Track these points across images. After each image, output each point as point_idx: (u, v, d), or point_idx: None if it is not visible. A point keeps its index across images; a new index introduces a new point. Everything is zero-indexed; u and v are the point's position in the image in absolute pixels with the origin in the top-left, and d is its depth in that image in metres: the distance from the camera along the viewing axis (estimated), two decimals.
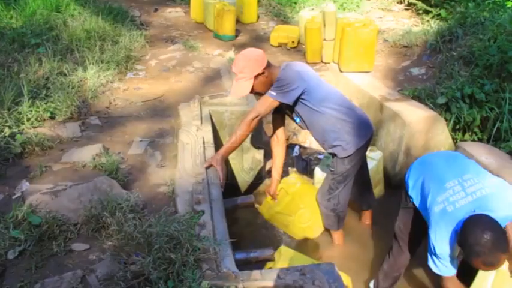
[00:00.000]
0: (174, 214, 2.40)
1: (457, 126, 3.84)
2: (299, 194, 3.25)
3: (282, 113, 3.09)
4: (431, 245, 2.18)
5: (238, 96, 2.85)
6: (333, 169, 2.98)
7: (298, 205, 3.25)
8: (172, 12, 7.03)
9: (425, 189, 2.34)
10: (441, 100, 3.89)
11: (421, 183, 2.40)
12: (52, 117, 3.49)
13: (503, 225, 1.98)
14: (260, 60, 2.77)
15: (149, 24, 6.35)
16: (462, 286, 2.26)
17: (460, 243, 2.01)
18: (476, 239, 1.89)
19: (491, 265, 1.93)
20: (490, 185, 2.17)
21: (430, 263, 2.25)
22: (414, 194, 2.45)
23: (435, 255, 2.18)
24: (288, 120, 3.19)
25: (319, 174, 3.51)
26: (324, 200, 3.09)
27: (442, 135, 3.87)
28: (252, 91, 2.81)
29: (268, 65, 2.80)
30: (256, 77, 2.75)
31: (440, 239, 2.14)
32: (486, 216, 1.98)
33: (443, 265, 2.18)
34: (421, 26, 5.70)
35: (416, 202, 2.43)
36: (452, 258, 2.15)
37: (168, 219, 2.25)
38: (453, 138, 3.89)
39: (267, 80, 2.79)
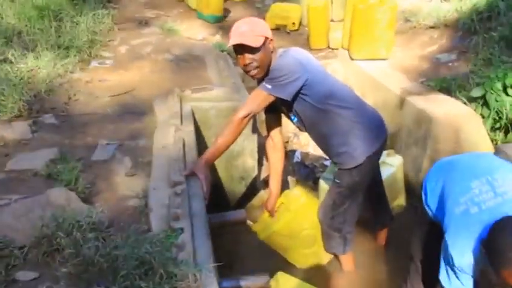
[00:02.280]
0: (147, 233, 2.37)
1: (497, 125, 3.83)
2: (303, 211, 3.24)
3: (277, 112, 3.07)
4: (449, 254, 2.16)
5: (245, 43, 2.70)
6: (338, 181, 2.96)
7: (302, 225, 3.23)
8: None
9: (445, 193, 2.34)
10: (476, 92, 3.89)
11: (440, 188, 2.39)
12: None
13: None
14: (270, 30, 2.81)
15: (118, 1, 6.37)
16: None
17: (487, 250, 1.99)
18: (508, 242, 1.88)
19: None
20: None
21: (442, 276, 2.22)
22: (432, 201, 2.45)
23: (451, 267, 2.16)
24: (285, 119, 3.18)
25: (325, 184, 3.50)
26: (327, 217, 3.07)
27: (477, 135, 3.86)
28: (255, 54, 2.69)
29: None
30: (265, 40, 2.72)
31: (461, 247, 2.12)
32: None
33: (458, 281, 2.16)
34: (452, 1, 5.71)
35: (434, 211, 2.42)
36: (471, 274, 2.13)
37: (139, 239, 2.22)
38: (492, 140, 3.87)
39: (269, 56, 2.76)
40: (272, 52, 2.78)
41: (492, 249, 1.94)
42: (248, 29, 2.69)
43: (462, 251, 2.11)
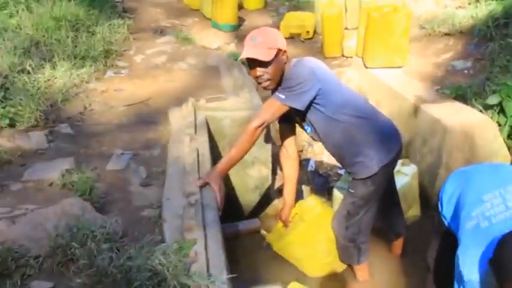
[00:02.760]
0: (160, 243, 2.37)
1: None
2: (318, 221, 3.23)
3: (291, 122, 3.07)
4: (459, 270, 2.13)
5: (256, 58, 2.72)
6: (352, 191, 2.94)
7: (316, 236, 3.22)
8: None
9: (459, 205, 2.31)
10: (493, 100, 3.85)
11: (456, 199, 2.37)
12: (12, 125, 3.51)
13: None
14: (284, 40, 2.80)
15: (134, 11, 6.41)
16: None
17: (493, 265, 1.95)
18: None
19: None
20: None
21: None
22: (447, 212, 2.42)
23: (462, 283, 2.13)
24: (299, 128, 3.17)
25: (339, 193, 3.47)
26: (342, 228, 3.05)
27: (494, 143, 3.82)
28: (268, 67, 2.70)
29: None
30: (278, 52, 2.71)
31: (470, 262, 2.08)
32: None
33: None
34: (468, 8, 5.67)
35: (450, 221, 2.39)
36: None
37: (152, 250, 2.22)
38: (509, 148, 3.84)
39: (282, 67, 2.76)
40: (285, 63, 2.78)
41: (497, 263, 1.91)
42: (261, 41, 2.69)
43: (472, 268, 2.08)
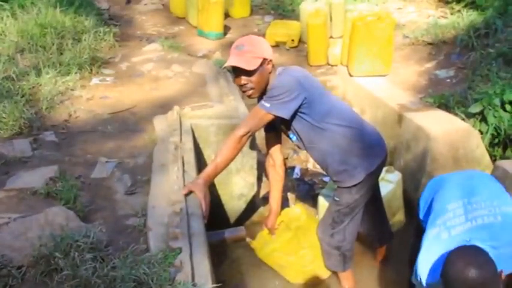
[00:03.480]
0: (145, 252, 2.35)
1: (496, 141, 3.83)
2: (303, 230, 3.23)
3: (276, 131, 3.07)
4: (414, 273, 2.18)
5: (239, 66, 2.70)
6: (337, 199, 2.94)
7: (301, 244, 3.22)
8: (148, 5, 7.09)
9: (430, 210, 2.39)
10: (475, 108, 3.89)
11: (429, 204, 2.44)
12: None
13: (501, 267, 1.93)
14: (270, 49, 2.79)
15: (120, 18, 6.40)
16: None
17: (442, 278, 1.99)
18: (457, 274, 1.86)
19: None
20: (504, 213, 2.16)
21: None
22: (423, 217, 2.49)
23: (421, 285, 2.17)
24: (284, 136, 3.18)
25: (324, 201, 3.48)
26: (327, 235, 3.05)
27: (476, 151, 3.85)
28: (252, 76, 2.71)
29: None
30: (263, 61, 2.71)
31: (425, 269, 2.14)
32: (477, 248, 1.96)
33: None
34: (450, 18, 5.75)
35: (426, 225, 2.45)
36: None
37: (137, 260, 2.20)
38: (491, 156, 3.87)
39: (267, 76, 2.76)
40: (270, 72, 2.78)
41: (444, 277, 1.95)
42: (246, 50, 2.69)
43: (425, 274, 2.14)
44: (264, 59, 2.71)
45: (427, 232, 2.27)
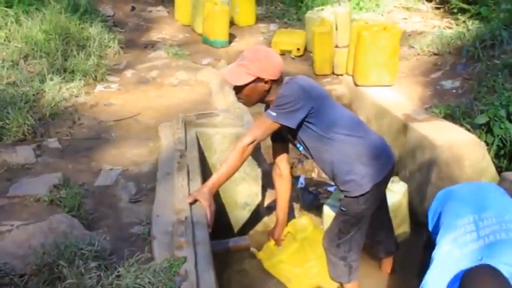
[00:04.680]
0: (150, 261, 2.33)
1: (502, 152, 3.82)
2: (310, 241, 3.22)
3: (283, 140, 3.06)
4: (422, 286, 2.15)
5: (226, 79, 2.79)
6: (344, 209, 2.92)
7: (308, 255, 3.21)
8: (153, 12, 7.11)
9: (439, 223, 2.37)
10: (481, 119, 3.89)
11: (437, 216, 2.43)
12: None
13: None
14: (275, 68, 2.76)
15: (124, 25, 6.41)
16: None
17: None
18: None
19: None
20: None
21: None
22: (434, 229, 2.47)
23: None
24: (290, 145, 3.17)
25: (329, 211, 3.46)
26: (333, 246, 3.03)
27: (482, 162, 3.84)
28: (241, 90, 2.75)
29: (278, 81, 2.79)
30: (258, 80, 2.72)
31: (435, 285, 2.10)
32: (490, 268, 1.92)
33: None
34: (456, 29, 5.77)
35: (436, 237, 2.43)
36: None
37: (142, 269, 2.19)
38: (497, 167, 3.86)
39: (260, 92, 2.77)
40: (266, 90, 2.77)
41: None
42: (243, 64, 2.72)
43: None
44: (258, 78, 2.71)
45: (438, 248, 2.23)
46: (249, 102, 2.83)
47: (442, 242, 2.24)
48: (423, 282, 2.17)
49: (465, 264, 2.04)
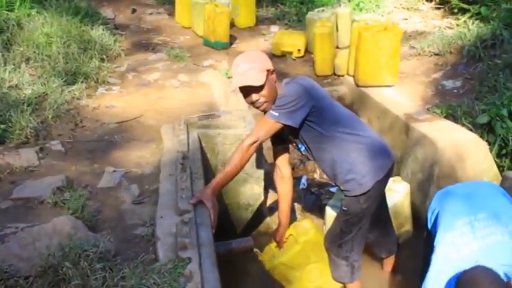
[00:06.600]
0: (154, 262, 2.35)
1: (503, 151, 3.83)
2: (311, 244, 3.21)
3: (284, 143, 3.07)
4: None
5: (247, 84, 2.69)
6: (345, 208, 2.93)
7: (309, 258, 3.21)
8: (154, 14, 7.12)
9: (436, 223, 2.38)
10: (482, 119, 3.89)
11: (435, 216, 2.44)
12: (1, 142, 3.48)
13: None
14: (267, 58, 2.80)
15: (125, 28, 6.42)
16: None
17: None
18: None
19: None
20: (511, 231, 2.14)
21: None
22: (433, 228, 2.49)
23: None
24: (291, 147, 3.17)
25: (331, 211, 3.47)
26: (335, 246, 3.04)
27: (483, 162, 3.84)
28: (260, 90, 2.70)
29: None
30: (268, 72, 2.72)
31: (434, 286, 2.11)
32: (486, 271, 1.92)
33: None
34: (456, 29, 5.76)
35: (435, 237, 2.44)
36: None
37: (146, 270, 2.21)
38: (499, 166, 3.86)
39: (274, 86, 2.77)
40: (275, 81, 2.79)
41: None
42: (249, 67, 2.70)
43: None
44: (267, 71, 2.73)
45: (436, 250, 2.24)
46: (270, 102, 2.76)
47: (439, 243, 2.25)
48: (423, 285, 2.18)
49: (462, 266, 2.04)
